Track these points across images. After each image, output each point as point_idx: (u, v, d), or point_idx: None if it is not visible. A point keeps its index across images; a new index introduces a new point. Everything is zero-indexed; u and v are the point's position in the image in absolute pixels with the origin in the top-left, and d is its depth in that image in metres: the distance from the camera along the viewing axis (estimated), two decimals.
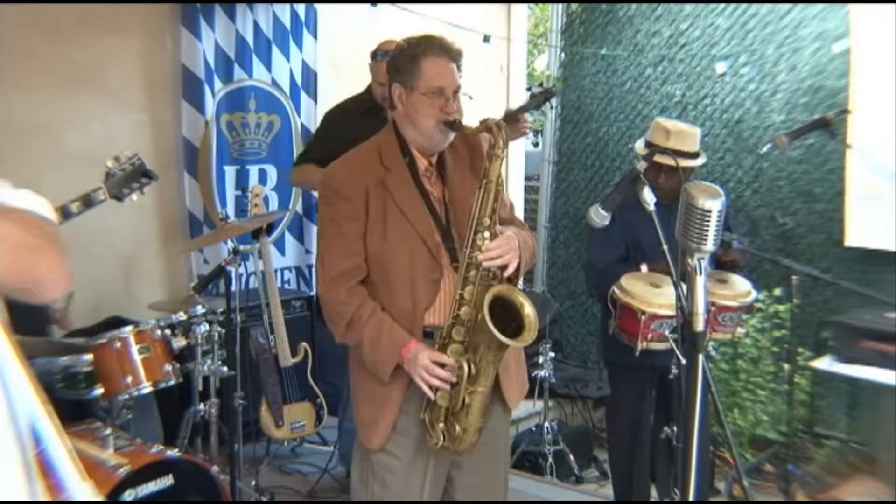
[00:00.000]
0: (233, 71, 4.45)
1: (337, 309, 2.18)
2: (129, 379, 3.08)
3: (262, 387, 3.67)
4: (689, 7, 5.22)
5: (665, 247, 2.00)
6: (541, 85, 3.73)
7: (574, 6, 5.92)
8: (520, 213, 2.47)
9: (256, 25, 4.51)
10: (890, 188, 4.21)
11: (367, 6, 4.92)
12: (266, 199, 4.46)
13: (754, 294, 3.10)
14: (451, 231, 2.18)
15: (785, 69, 4.81)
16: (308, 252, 4.88)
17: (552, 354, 4.48)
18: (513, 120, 3.45)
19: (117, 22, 4.00)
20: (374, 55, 3.52)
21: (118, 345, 3.07)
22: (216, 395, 3.48)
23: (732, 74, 5.04)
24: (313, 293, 4.58)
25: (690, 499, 1.69)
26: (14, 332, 1.10)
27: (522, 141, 5.16)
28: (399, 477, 2.20)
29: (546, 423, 4.45)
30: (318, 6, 4.78)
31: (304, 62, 4.76)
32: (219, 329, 3.41)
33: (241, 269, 3.99)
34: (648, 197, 2.09)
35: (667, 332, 2.88)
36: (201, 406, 3.49)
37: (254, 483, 3.58)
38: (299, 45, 4.72)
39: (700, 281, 1.70)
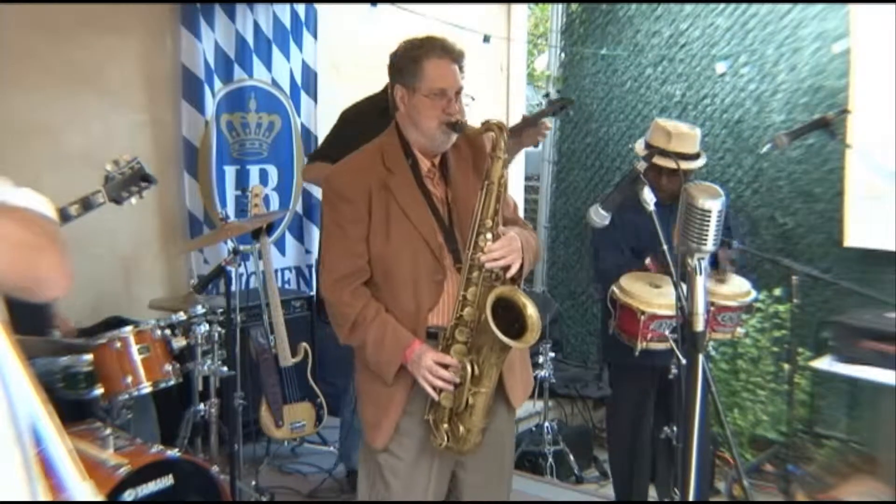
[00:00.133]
0: (233, 71, 4.45)
1: (341, 311, 2.18)
2: (129, 379, 3.08)
3: (262, 387, 3.67)
4: (689, 7, 5.22)
5: (665, 247, 2.00)
6: (559, 92, 3.73)
7: (574, 6, 5.92)
8: (520, 213, 2.47)
9: (256, 25, 4.52)
10: (890, 188, 4.21)
11: (367, 6, 4.92)
12: (267, 199, 4.47)
13: (754, 294, 3.10)
14: (454, 232, 2.18)
15: (785, 69, 4.81)
16: (308, 252, 4.88)
17: (552, 354, 4.49)
18: (531, 125, 3.45)
19: (117, 22, 4.00)
20: None
21: (118, 345, 3.07)
22: (216, 395, 3.48)
23: (732, 74, 5.04)
24: (313, 293, 4.58)
25: (690, 499, 1.69)
26: (14, 332, 1.10)
27: None
28: (402, 477, 2.20)
29: (546, 423, 4.45)
30: (318, 6, 4.78)
31: (304, 62, 4.76)
32: (219, 329, 3.41)
33: (241, 269, 4.00)
34: (648, 197, 2.09)
35: (667, 332, 2.88)
36: (201, 406, 3.49)
37: (254, 483, 3.58)
38: (299, 45, 4.72)
39: (700, 281, 1.70)
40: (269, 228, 3.91)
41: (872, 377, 3.69)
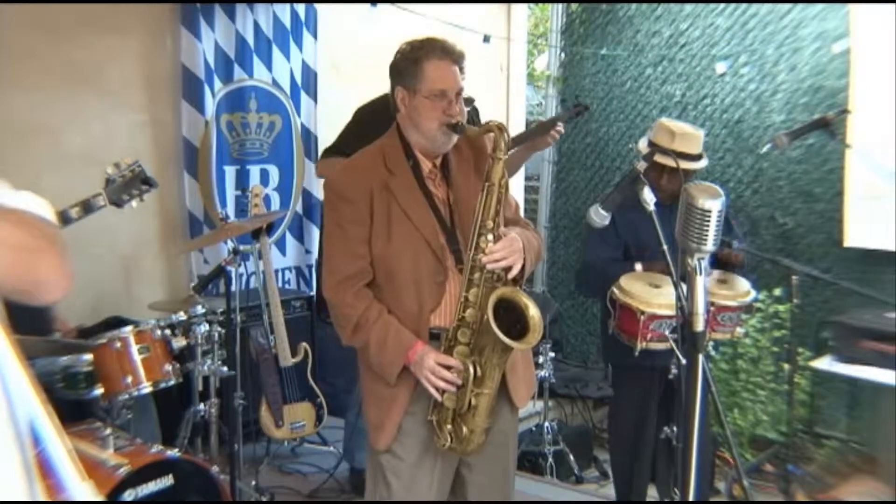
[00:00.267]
0: (233, 71, 4.45)
1: (343, 312, 2.18)
2: (129, 379, 3.08)
3: (262, 387, 3.67)
4: (689, 7, 5.22)
5: (665, 247, 2.00)
6: (577, 97, 3.75)
7: (574, 6, 5.92)
8: (520, 213, 2.48)
9: (256, 25, 4.51)
10: (890, 188, 4.21)
11: (367, 6, 4.92)
12: (268, 200, 4.47)
13: (754, 294, 3.10)
14: (455, 233, 2.18)
15: (785, 69, 4.81)
16: (308, 252, 4.88)
17: (552, 354, 4.49)
18: (545, 130, 3.45)
19: (117, 22, 4.00)
20: None
21: (118, 345, 3.07)
22: (216, 395, 3.48)
23: (732, 74, 5.04)
24: (313, 293, 4.58)
25: (690, 499, 1.69)
26: (14, 332, 1.10)
27: None
28: (404, 478, 2.21)
29: (546, 423, 4.45)
30: (318, 6, 4.78)
31: (304, 62, 4.76)
32: (219, 329, 3.41)
33: (241, 269, 3.99)
34: (648, 197, 2.09)
35: (667, 332, 2.88)
36: (201, 406, 3.49)
37: (254, 483, 3.58)
38: (299, 45, 4.72)
39: (700, 281, 1.70)
40: (270, 228, 3.91)
41: (872, 377, 3.68)
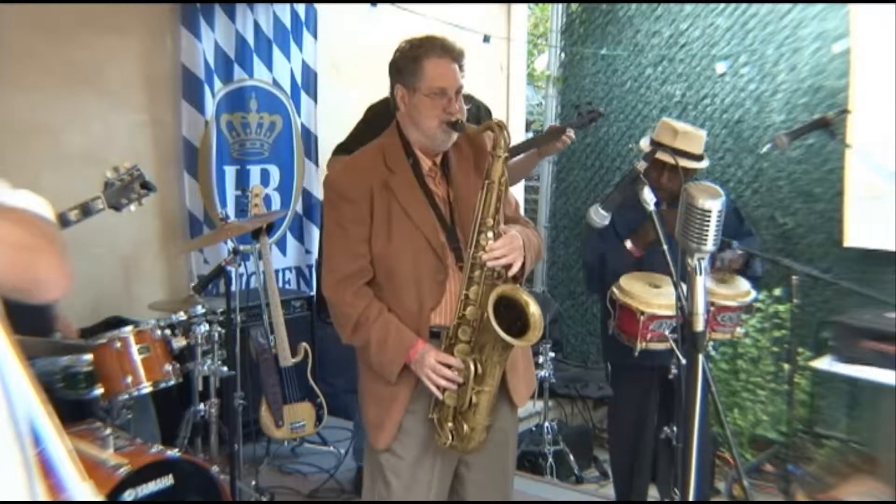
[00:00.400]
0: (233, 71, 4.45)
1: (343, 311, 2.18)
2: (129, 379, 3.08)
3: (262, 387, 3.67)
4: (689, 7, 5.22)
5: (665, 247, 2.00)
6: (589, 104, 3.75)
7: (574, 6, 5.92)
8: (520, 212, 2.50)
9: (257, 25, 4.51)
10: (890, 188, 4.21)
11: (367, 6, 4.92)
12: (268, 200, 4.47)
13: (754, 294, 3.10)
14: (455, 231, 2.18)
15: (785, 69, 4.81)
16: (308, 252, 4.88)
17: (552, 354, 4.49)
18: (556, 135, 3.44)
19: (117, 22, 4.00)
20: None
21: (118, 345, 3.07)
22: (216, 395, 3.48)
23: (732, 74, 5.04)
24: (313, 293, 4.58)
25: (690, 499, 1.69)
26: (14, 332, 1.10)
27: None
28: (403, 477, 2.21)
29: (546, 423, 4.45)
30: (318, 6, 4.78)
31: (304, 62, 4.76)
32: (219, 329, 3.41)
33: (241, 269, 3.99)
34: (648, 197, 2.09)
35: (667, 332, 2.87)
36: (201, 406, 3.49)
37: (254, 483, 3.58)
38: (299, 45, 4.72)
39: (700, 281, 1.70)
40: (270, 228, 3.91)
41: (872, 377, 3.68)
